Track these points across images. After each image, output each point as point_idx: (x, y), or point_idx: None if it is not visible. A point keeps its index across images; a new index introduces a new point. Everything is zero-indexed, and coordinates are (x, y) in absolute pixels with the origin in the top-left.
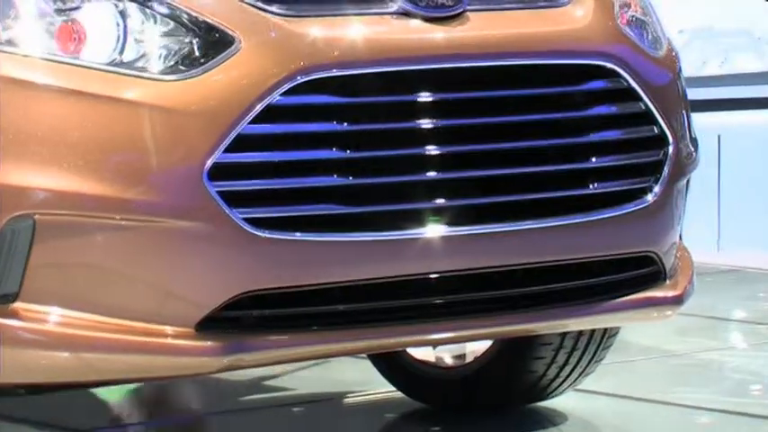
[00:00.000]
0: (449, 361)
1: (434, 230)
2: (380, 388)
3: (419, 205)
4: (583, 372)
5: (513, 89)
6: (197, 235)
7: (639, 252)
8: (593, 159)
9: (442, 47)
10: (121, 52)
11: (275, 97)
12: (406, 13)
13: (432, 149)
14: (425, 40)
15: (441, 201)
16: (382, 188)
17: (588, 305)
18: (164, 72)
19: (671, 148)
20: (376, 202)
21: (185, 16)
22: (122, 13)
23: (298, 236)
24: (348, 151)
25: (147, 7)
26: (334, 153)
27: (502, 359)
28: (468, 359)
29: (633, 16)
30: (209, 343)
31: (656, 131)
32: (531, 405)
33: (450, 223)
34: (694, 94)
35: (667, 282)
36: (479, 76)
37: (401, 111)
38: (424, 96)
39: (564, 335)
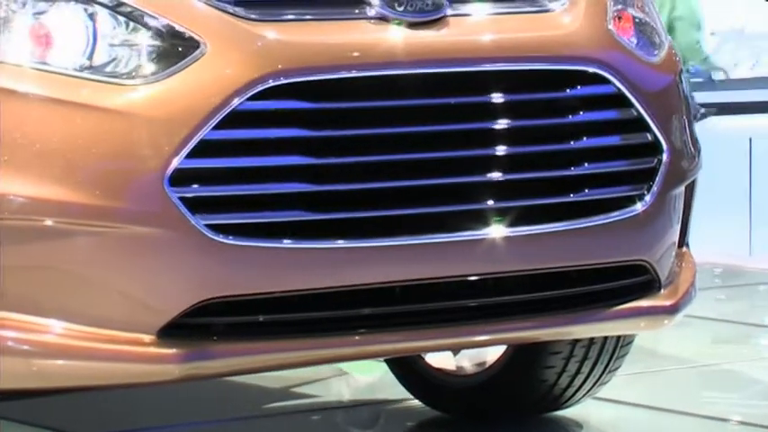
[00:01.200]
0: (464, 369)
1: (407, 238)
2: (401, 395)
3: (391, 212)
4: (597, 381)
5: (491, 95)
6: (158, 241)
7: (630, 261)
8: (580, 166)
9: (417, 52)
10: (84, 57)
11: (240, 102)
12: (383, 18)
13: (403, 156)
14: (400, 44)
15: (414, 208)
16: (350, 195)
17: (578, 314)
18: (126, 76)
19: (665, 156)
20: (344, 209)
21: (149, 20)
22: (87, 17)
23: (262, 243)
24: (315, 157)
25: (112, 10)
26: (300, 159)
27: (513, 368)
28: (482, 367)
29: (630, 20)
30: (170, 350)
31: (650, 138)
32: (551, 414)
33: (426, 231)
34: (726, 96)
35: (662, 291)
36: (456, 81)
37: (372, 116)
38: (395, 102)
39: (574, 343)
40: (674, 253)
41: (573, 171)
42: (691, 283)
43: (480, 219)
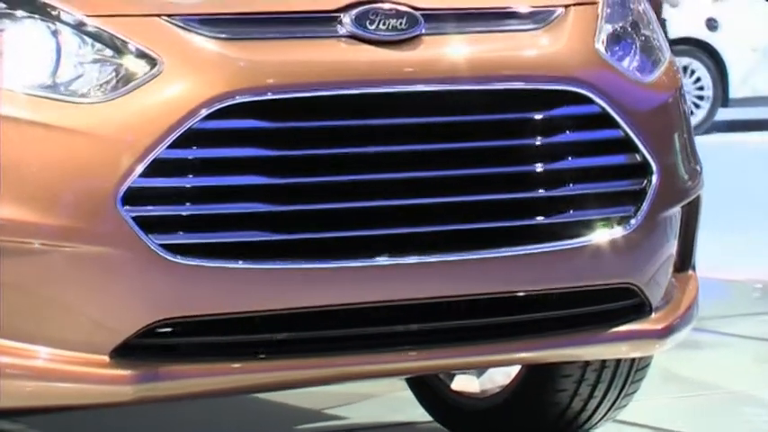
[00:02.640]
0: (482, 390)
1: (376, 259)
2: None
3: (355, 233)
4: (613, 405)
5: (462, 115)
6: (111, 261)
7: (617, 284)
8: (562, 187)
9: (385, 71)
10: (39, 75)
11: (197, 121)
12: (354, 37)
13: (366, 176)
14: (367, 63)
15: (388, 229)
16: (309, 216)
17: (563, 337)
18: (81, 95)
19: (654, 177)
20: (302, 230)
21: (107, 38)
22: (44, 35)
23: (218, 263)
24: (272, 177)
25: (71, 28)
26: (257, 179)
27: (525, 391)
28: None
29: (626, 37)
30: (122, 371)
31: (638, 159)
32: None
33: (392, 252)
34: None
35: (653, 314)
36: (426, 101)
37: (332, 136)
38: (358, 121)
39: (585, 366)
40: (669, 275)
41: (554, 192)
42: (688, 307)
43: (453, 240)
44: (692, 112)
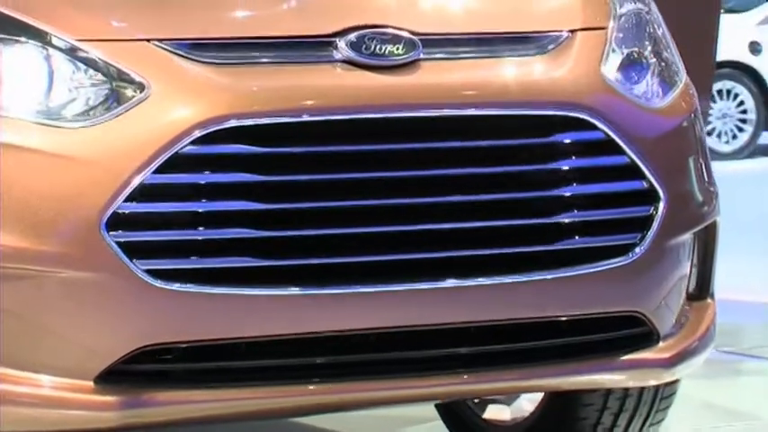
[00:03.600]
0: (512, 419)
1: (374, 285)
2: None
3: (339, 260)
4: None
5: (458, 140)
6: (95, 286)
7: (622, 312)
8: (565, 213)
9: (379, 96)
10: (25, 98)
11: (183, 146)
12: (350, 62)
13: (359, 203)
14: (359, 88)
15: (385, 255)
16: (298, 242)
17: (567, 365)
18: (67, 119)
19: (662, 204)
20: (291, 257)
21: (94, 61)
22: (31, 58)
23: (204, 289)
24: (258, 203)
25: (60, 53)
26: (243, 204)
27: (547, 419)
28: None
29: (637, 62)
30: (108, 397)
31: (645, 185)
32: None
33: (394, 279)
34: None
35: (661, 343)
36: (423, 126)
37: (321, 162)
38: (347, 147)
39: (607, 395)
40: (680, 303)
41: (557, 219)
42: (700, 336)
43: (451, 267)
44: (734, 136)
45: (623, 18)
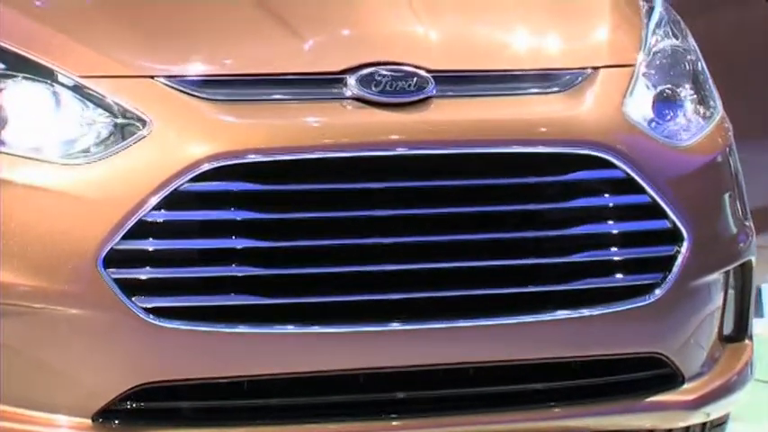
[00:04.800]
0: None
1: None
2: None
3: (340, 299)
4: None
5: (471, 179)
6: (93, 323)
7: (643, 353)
8: (582, 253)
9: (384, 133)
10: (26, 135)
11: (182, 183)
12: (360, 99)
13: (362, 240)
14: (365, 126)
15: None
16: (298, 280)
17: (589, 406)
18: (68, 156)
19: (686, 244)
20: (291, 295)
21: (97, 97)
22: (30, 94)
23: (202, 327)
24: (259, 241)
25: (59, 88)
26: (242, 242)
27: None
28: None
29: (669, 100)
30: None
31: (668, 225)
32: None
33: (395, 318)
34: None
35: (686, 385)
36: (434, 164)
37: (325, 200)
38: (348, 185)
39: None
40: (709, 343)
41: (573, 258)
42: (730, 377)
43: (463, 307)
44: None
45: (658, 55)
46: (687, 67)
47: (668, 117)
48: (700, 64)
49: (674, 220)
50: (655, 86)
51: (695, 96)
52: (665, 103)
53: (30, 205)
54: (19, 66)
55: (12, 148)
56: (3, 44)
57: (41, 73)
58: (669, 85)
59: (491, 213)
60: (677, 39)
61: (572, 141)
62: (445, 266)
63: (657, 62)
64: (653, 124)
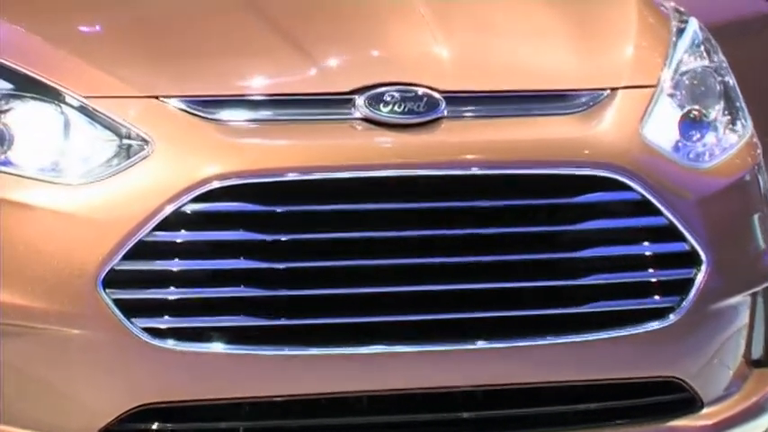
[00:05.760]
0: None
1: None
2: None
3: (338, 320)
4: None
5: (478, 200)
6: (92, 344)
7: (659, 377)
8: (596, 275)
9: (392, 154)
10: (27, 154)
11: (183, 203)
12: (368, 120)
13: (368, 262)
14: (373, 147)
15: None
16: (301, 301)
17: (601, 430)
18: (69, 176)
19: (704, 266)
20: (292, 316)
21: (100, 117)
22: (31, 114)
23: (202, 347)
24: (260, 262)
25: (64, 107)
26: (242, 263)
27: None
28: None
29: (696, 121)
30: None
31: (686, 247)
32: None
33: (402, 340)
34: None
35: (705, 409)
36: (440, 185)
37: (329, 221)
38: (352, 205)
39: None
40: (732, 367)
41: (587, 280)
42: (754, 402)
43: (476, 329)
44: None
45: (686, 75)
46: (717, 87)
47: (695, 138)
48: (730, 81)
49: (692, 243)
50: (681, 107)
51: (724, 116)
52: (693, 124)
53: (31, 225)
54: (25, 86)
55: (15, 168)
56: (10, 64)
57: (47, 93)
58: (697, 106)
59: (502, 235)
60: (708, 59)
61: (585, 163)
62: (456, 288)
63: (686, 82)
64: (679, 145)
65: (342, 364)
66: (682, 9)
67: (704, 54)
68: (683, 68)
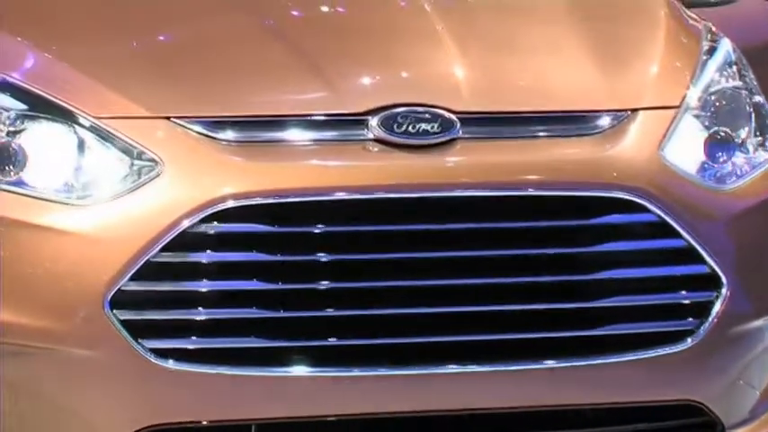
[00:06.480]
0: None
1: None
2: None
3: (348, 342)
4: None
5: (494, 222)
6: (99, 364)
7: (678, 400)
8: (613, 297)
9: (405, 176)
10: (36, 174)
11: (192, 224)
12: (381, 141)
13: (378, 283)
14: (385, 168)
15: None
16: (309, 322)
17: None
18: (78, 196)
19: (724, 289)
20: (300, 337)
21: (110, 138)
22: (40, 135)
23: (210, 369)
24: (267, 283)
25: (75, 127)
26: (249, 284)
27: None
28: None
29: (722, 142)
30: None
31: (706, 270)
32: None
33: (414, 363)
34: None
35: None
36: (454, 207)
37: (339, 242)
38: (365, 227)
39: None
40: (757, 390)
41: (604, 303)
42: None
43: (491, 351)
44: None
45: (714, 96)
46: (747, 108)
47: (722, 159)
48: (760, 101)
49: (712, 265)
50: (708, 128)
51: (753, 138)
52: (720, 145)
53: (40, 245)
54: (38, 106)
55: (27, 189)
56: (24, 84)
57: (59, 114)
58: (724, 127)
59: (518, 257)
60: (740, 79)
61: (601, 184)
62: (473, 310)
63: (715, 103)
64: (705, 166)
65: (348, 385)
66: (714, 28)
67: (735, 74)
68: (713, 88)
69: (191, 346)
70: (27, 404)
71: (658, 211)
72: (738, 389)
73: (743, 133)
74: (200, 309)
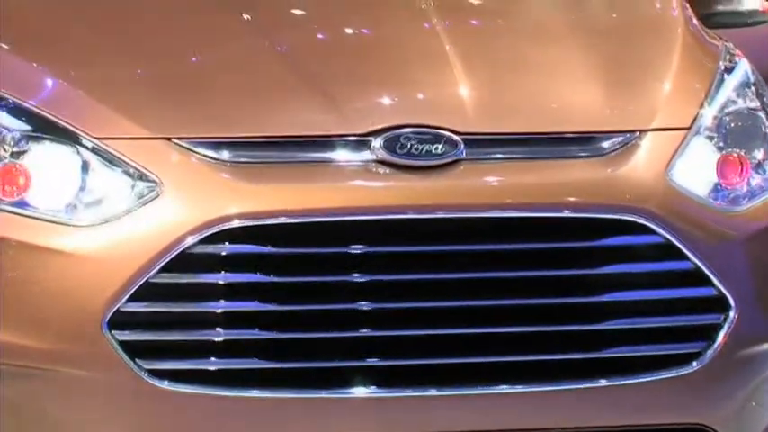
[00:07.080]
0: None
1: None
2: None
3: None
4: None
5: (497, 243)
6: (97, 385)
7: (686, 424)
8: (619, 320)
9: (407, 197)
10: (35, 196)
11: (190, 245)
12: (384, 162)
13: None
14: (387, 189)
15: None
16: (308, 344)
17: None
18: (77, 217)
19: (732, 312)
20: (300, 359)
21: (110, 159)
22: (40, 156)
23: (208, 390)
24: (266, 304)
25: (73, 147)
26: (248, 305)
27: None
28: None
29: (732, 163)
30: None
31: (714, 292)
32: None
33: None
34: None
35: None
36: (457, 228)
37: (335, 263)
38: (351, 248)
39: None
40: (766, 414)
41: (608, 325)
42: None
43: (496, 372)
44: None
45: (729, 117)
46: (763, 129)
47: (735, 181)
48: None
49: (720, 287)
50: (721, 149)
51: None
52: (732, 166)
53: (42, 266)
54: (41, 127)
55: (29, 210)
56: (27, 105)
57: (61, 134)
58: (737, 149)
59: (522, 279)
60: (757, 101)
61: (606, 206)
62: (478, 332)
63: (729, 124)
64: (716, 187)
65: (351, 407)
66: (733, 48)
67: (753, 96)
68: (729, 109)
69: (188, 367)
70: (27, 424)
71: (664, 233)
72: (748, 411)
73: (759, 155)
74: (197, 330)
